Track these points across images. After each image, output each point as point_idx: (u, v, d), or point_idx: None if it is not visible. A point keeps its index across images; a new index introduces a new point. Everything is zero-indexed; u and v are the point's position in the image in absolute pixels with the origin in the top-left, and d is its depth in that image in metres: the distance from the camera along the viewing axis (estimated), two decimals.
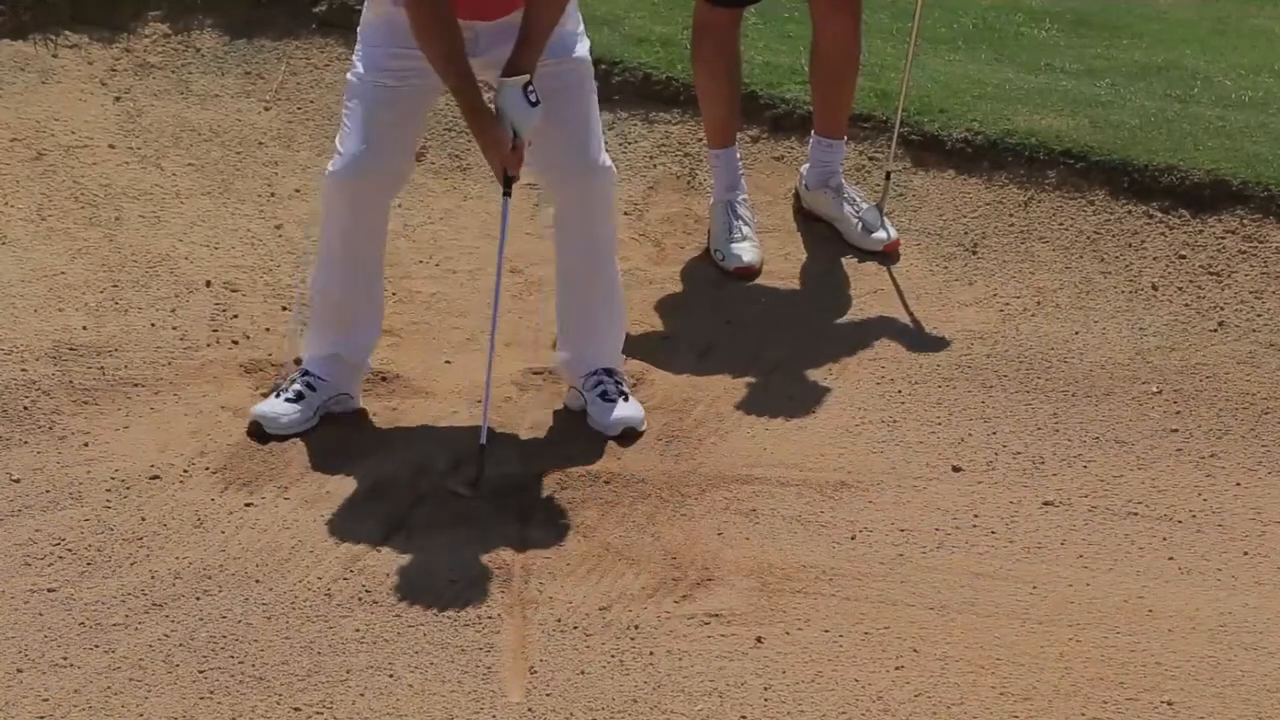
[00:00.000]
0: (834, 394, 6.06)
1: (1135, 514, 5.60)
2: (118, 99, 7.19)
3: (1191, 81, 7.69)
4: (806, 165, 6.82)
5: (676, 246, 6.74)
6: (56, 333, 6.06)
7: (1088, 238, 6.73)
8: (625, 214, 6.81)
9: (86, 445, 5.61)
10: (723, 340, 6.31)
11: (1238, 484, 5.76)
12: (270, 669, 4.82)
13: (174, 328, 6.17)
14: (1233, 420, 6.03)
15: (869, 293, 6.55)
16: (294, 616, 5.00)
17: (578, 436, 5.76)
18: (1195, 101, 7.46)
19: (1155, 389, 6.15)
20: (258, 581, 5.12)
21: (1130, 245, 6.69)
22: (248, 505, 5.41)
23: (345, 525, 5.34)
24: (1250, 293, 6.51)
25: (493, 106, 5.42)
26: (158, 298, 6.31)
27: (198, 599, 5.04)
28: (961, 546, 5.41)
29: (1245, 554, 5.46)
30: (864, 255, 6.69)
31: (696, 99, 6.80)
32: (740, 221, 6.64)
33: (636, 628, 5.02)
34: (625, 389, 5.83)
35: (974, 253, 6.71)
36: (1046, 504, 5.61)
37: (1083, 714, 4.81)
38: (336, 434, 5.72)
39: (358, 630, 4.96)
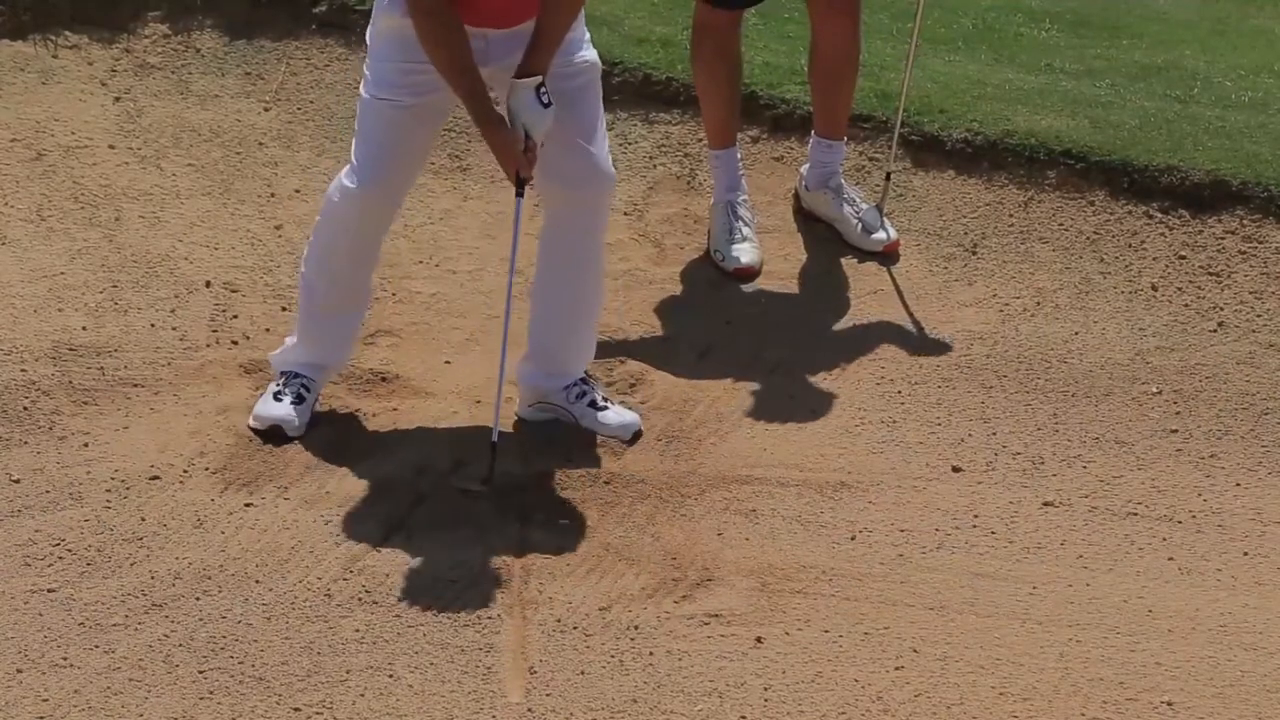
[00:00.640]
0: (834, 394, 6.06)
1: (1135, 514, 5.60)
2: (118, 99, 7.19)
3: (1191, 82, 7.69)
4: (806, 166, 6.82)
5: (676, 247, 6.74)
6: (56, 333, 6.06)
7: (1087, 238, 6.73)
8: (625, 214, 6.81)
9: (86, 445, 5.61)
10: (723, 341, 6.31)
11: (1238, 484, 5.76)
12: (270, 669, 4.82)
13: (174, 328, 6.17)
14: (1233, 420, 6.03)
15: (869, 293, 6.55)
16: (294, 617, 5.00)
17: (578, 436, 5.76)
18: (1195, 102, 7.47)
19: (1155, 389, 6.15)
20: (258, 582, 5.12)
21: (1130, 245, 6.69)
22: (248, 505, 5.41)
23: (345, 525, 5.34)
24: (1250, 293, 6.51)
25: (502, 109, 5.41)
26: (157, 298, 6.31)
27: (197, 599, 5.04)
28: (961, 547, 5.42)
29: (1245, 554, 5.46)
30: (864, 256, 6.69)
31: (696, 99, 6.81)
32: (740, 222, 6.64)
33: (636, 628, 5.02)
34: (604, 391, 5.85)
35: (974, 253, 6.71)
36: (1046, 504, 5.61)
37: (1082, 714, 4.81)
38: (336, 434, 5.72)
39: (358, 630, 4.96)
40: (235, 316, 6.25)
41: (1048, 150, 6.91)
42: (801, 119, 7.01)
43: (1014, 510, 5.58)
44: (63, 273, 6.37)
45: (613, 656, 4.94)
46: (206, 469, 5.54)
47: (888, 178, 6.79)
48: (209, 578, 5.12)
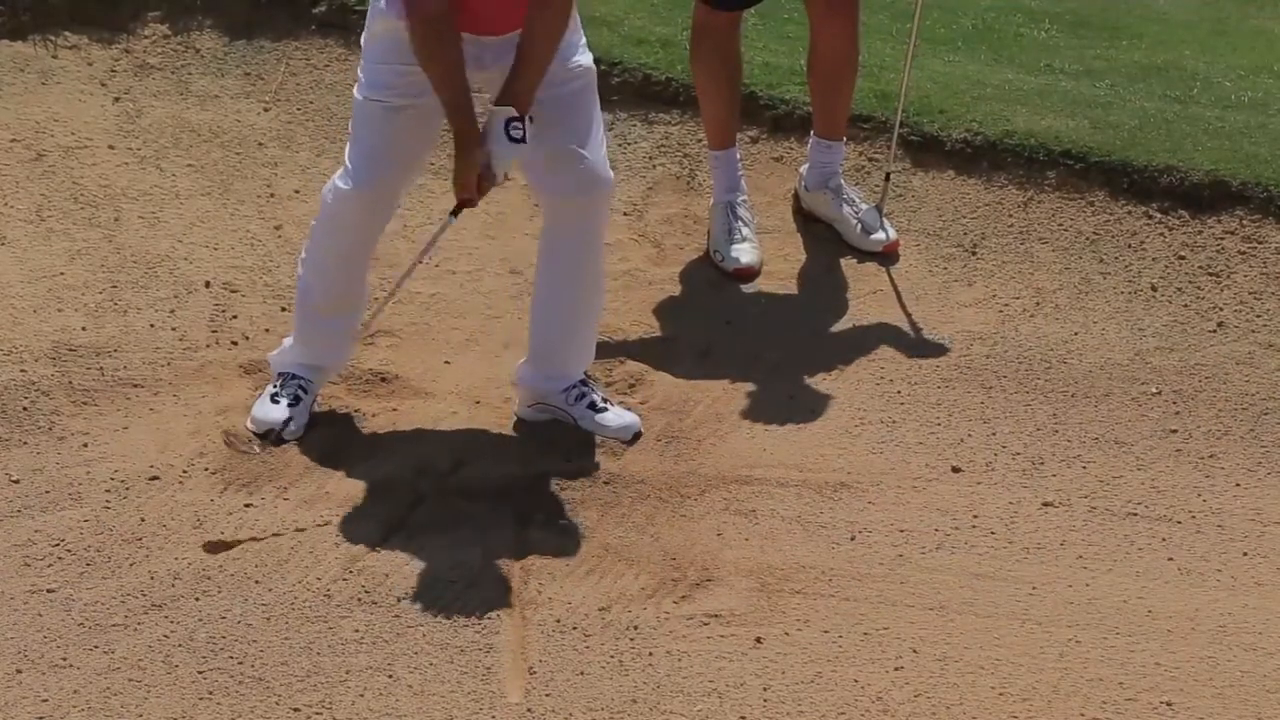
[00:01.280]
0: (834, 395, 6.06)
1: (1135, 514, 5.60)
2: (117, 100, 7.19)
3: (1191, 82, 7.69)
4: (806, 166, 6.82)
5: (676, 247, 6.74)
6: (56, 333, 6.06)
7: (1087, 238, 6.73)
8: (625, 214, 6.81)
9: (86, 446, 5.61)
10: (722, 341, 6.31)
11: (1237, 484, 5.76)
12: (270, 669, 4.82)
13: (173, 328, 6.17)
14: (1232, 421, 6.03)
15: (868, 294, 6.55)
16: (293, 617, 5.00)
17: (577, 437, 5.76)
18: (1195, 102, 7.47)
19: (1154, 389, 6.15)
20: (257, 582, 5.12)
21: (1130, 246, 6.69)
22: (247, 506, 5.41)
23: (345, 526, 5.34)
24: (1250, 293, 6.51)
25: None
26: (157, 298, 6.31)
27: (197, 600, 5.04)
28: (961, 547, 5.41)
29: (1245, 554, 5.46)
30: (863, 256, 6.69)
31: (696, 100, 6.81)
32: (740, 223, 6.64)
33: (636, 628, 5.02)
34: (603, 392, 5.85)
35: (973, 253, 6.71)
36: (1046, 505, 5.61)
37: (1082, 714, 4.81)
38: (336, 434, 5.72)
39: (357, 631, 4.96)
40: (235, 317, 6.25)
41: (1047, 150, 6.91)
42: (801, 119, 7.00)
43: (1014, 510, 5.58)
44: (62, 273, 6.37)
45: (612, 657, 4.94)
46: (206, 469, 5.54)
47: (887, 178, 6.79)
48: (208, 578, 5.12)
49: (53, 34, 7.36)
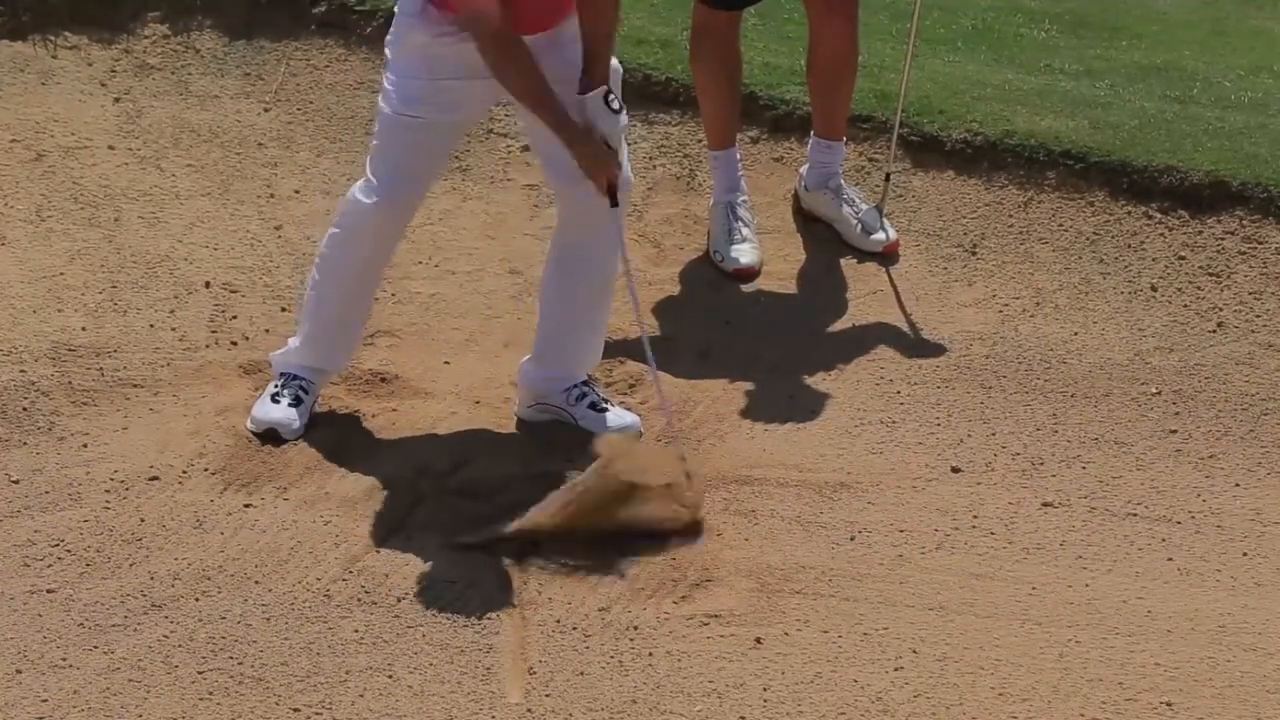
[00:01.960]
0: (833, 395, 6.05)
1: (1134, 515, 5.60)
2: (117, 100, 7.19)
3: (1191, 82, 7.69)
4: (806, 166, 6.82)
5: (676, 248, 6.74)
6: (55, 334, 6.06)
7: (1087, 239, 6.73)
8: (625, 214, 6.80)
9: (85, 446, 5.61)
10: (722, 341, 6.31)
11: (1237, 485, 5.76)
12: (269, 670, 4.82)
13: (173, 329, 6.17)
14: (1232, 421, 6.03)
15: (868, 294, 6.54)
16: (293, 617, 5.00)
17: (578, 437, 5.75)
18: (1194, 102, 7.46)
19: (1154, 390, 6.15)
20: (257, 583, 5.12)
21: (1129, 246, 6.69)
22: (247, 506, 5.41)
23: (345, 526, 5.34)
24: (1249, 293, 6.51)
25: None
26: (157, 299, 6.31)
27: (197, 600, 5.04)
28: (960, 547, 5.41)
29: (1245, 555, 5.46)
30: (863, 256, 6.68)
31: (696, 100, 6.80)
32: (740, 223, 6.64)
33: (636, 628, 5.02)
34: (604, 392, 5.84)
35: (973, 254, 6.71)
36: (1046, 505, 5.61)
37: (1082, 714, 4.81)
38: (336, 434, 5.72)
39: (357, 631, 4.96)
40: (234, 317, 6.25)
41: (1047, 151, 6.91)
42: (801, 119, 7.00)
43: (1013, 511, 5.57)
44: (62, 273, 6.36)
45: (612, 657, 4.94)
46: (206, 469, 5.54)
47: (887, 178, 6.79)
48: (208, 578, 5.12)
49: (53, 34, 7.36)
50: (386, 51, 5.49)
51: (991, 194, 6.88)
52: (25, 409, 5.73)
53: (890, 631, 5.06)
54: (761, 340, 6.31)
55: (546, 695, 4.80)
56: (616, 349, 6.16)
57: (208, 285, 6.38)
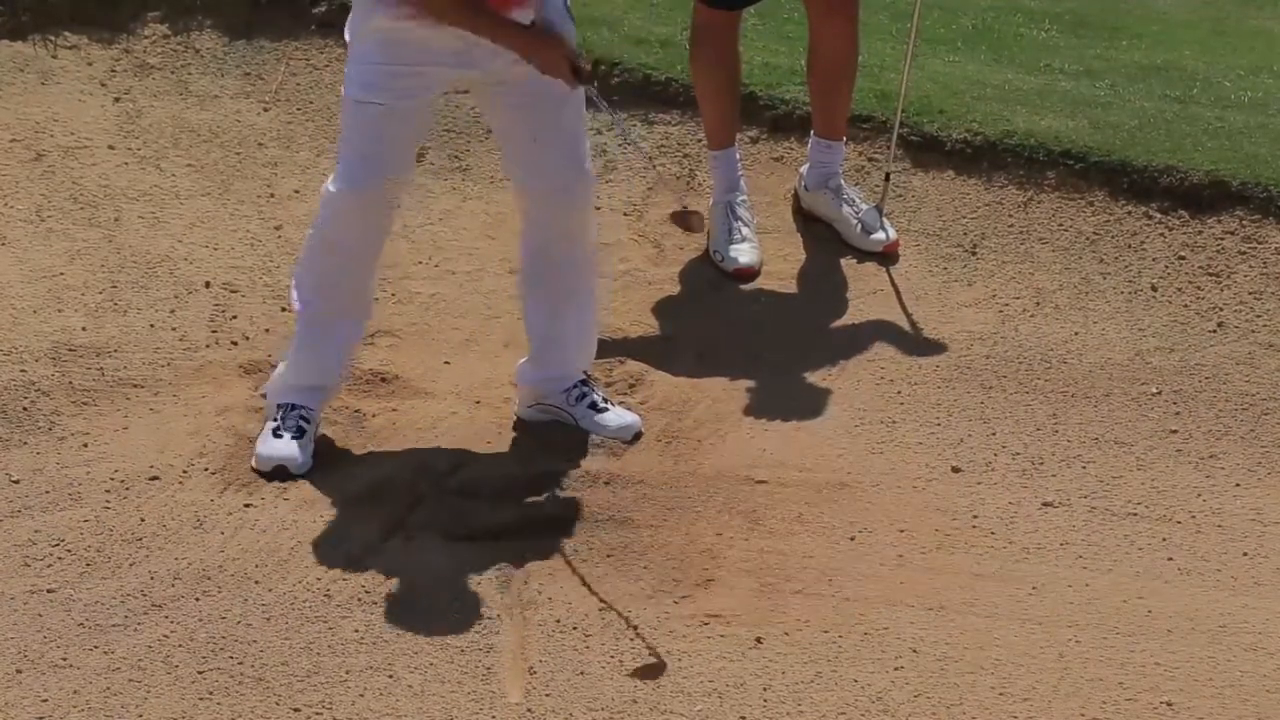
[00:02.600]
0: (834, 394, 6.06)
1: (1135, 515, 5.60)
2: (117, 100, 7.19)
3: (1191, 82, 7.69)
4: (806, 166, 6.82)
5: (676, 247, 6.74)
6: (56, 333, 6.06)
7: (1087, 238, 6.73)
8: (625, 214, 6.81)
9: (86, 446, 5.61)
10: (722, 341, 6.31)
11: (1237, 485, 5.76)
12: (270, 669, 4.83)
13: (173, 329, 6.17)
14: (1232, 421, 6.03)
15: (868, 294, 6.54)
16: (293, 617, 5.00)
17: (578, 437, 5.76)
18: (1194, 102, 7.46)
19: (1155, 390, 6.15)
20: (257, 582, 5.12)
21: (1130, 246, 6.69)
22: (247, 506, 5.41)
23: (345, 526, 5.34)
24: (1250, 293, 6.51)
25: None
26: (157, 298, 6.31)
27: (197, 600, 5.05)
28: (961, 547, 5.41)
29: (1245, 555, 5.46)
30: (863, 256, 6.69)
31: (695, 100, 6.80)
32: (740, 223, 6.64)
33: (636, 628, 5.02)
34: (603, 392, 5.84)
35: (973, 253, 6.71)
36: (1046, 505, 5.61)
37: (1082, 714, 4.81)
38: (336, 434, 5.72)
39: (357, 631, 4.97)
40: (235, 317, 6.25)
41: (1047, 151, 6.91)
42: (801, 119, 7.00)
43: (1013, 510, 5.58)
44: (62, 273, 6.37)
45: (612, 657, 4.94)
46: (206, 469, 5.54)
47: (887, 178, 6.79)
48: (208, 578, 5.12)
49: (53, 34, 7.36)
50: (346, 36, 5.47)
51: (991, 194, 6.88)
52: (25, 409, 5.73)
53: (890, 631, 5.06)
54: (761, 340, 6.31)
55: (546, 695, 4.80)
56: (616, 349, 6.17)
57: (208, 285, 6.39)
